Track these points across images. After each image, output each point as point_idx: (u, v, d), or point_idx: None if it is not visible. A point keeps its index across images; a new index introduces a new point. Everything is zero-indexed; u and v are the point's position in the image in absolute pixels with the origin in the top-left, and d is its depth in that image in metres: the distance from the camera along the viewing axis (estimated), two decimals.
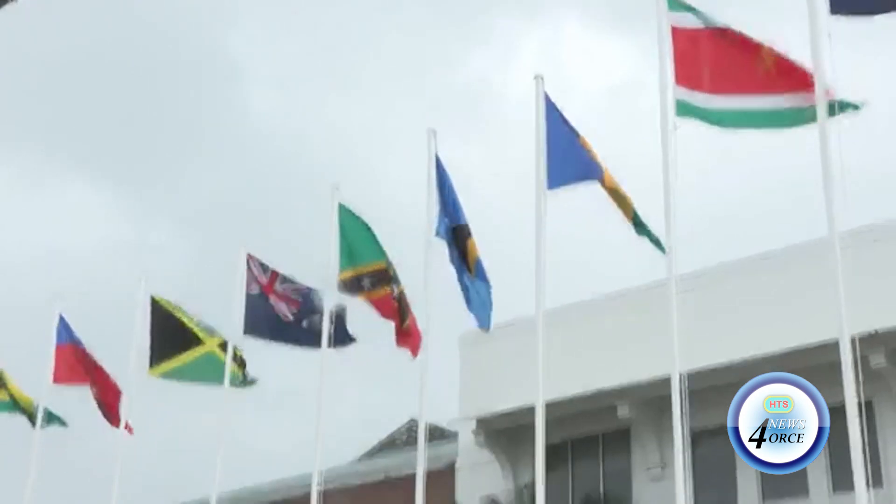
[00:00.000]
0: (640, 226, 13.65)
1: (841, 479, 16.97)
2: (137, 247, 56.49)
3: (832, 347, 11.17)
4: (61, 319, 20.06)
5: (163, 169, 60.99)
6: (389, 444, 31.67)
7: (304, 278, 18.03)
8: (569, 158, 14.13)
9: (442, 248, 15.48)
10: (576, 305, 22.74)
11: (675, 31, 12.95)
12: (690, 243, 13.73)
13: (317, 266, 17.35)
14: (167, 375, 18.64)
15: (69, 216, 59.99)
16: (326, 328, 16.71)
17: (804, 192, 11.76)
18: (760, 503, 19.51)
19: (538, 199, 14.30)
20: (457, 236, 15.26)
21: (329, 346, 16.69)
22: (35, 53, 59.00)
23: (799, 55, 12.19)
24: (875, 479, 14.87)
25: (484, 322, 15.23)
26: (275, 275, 17.96)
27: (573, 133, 14.22)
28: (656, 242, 13.34)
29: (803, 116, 12.08)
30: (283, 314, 17.65)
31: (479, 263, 15.19)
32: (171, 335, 18.68)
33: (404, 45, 61.51)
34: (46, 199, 60.09)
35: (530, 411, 13.82)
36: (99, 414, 19.49)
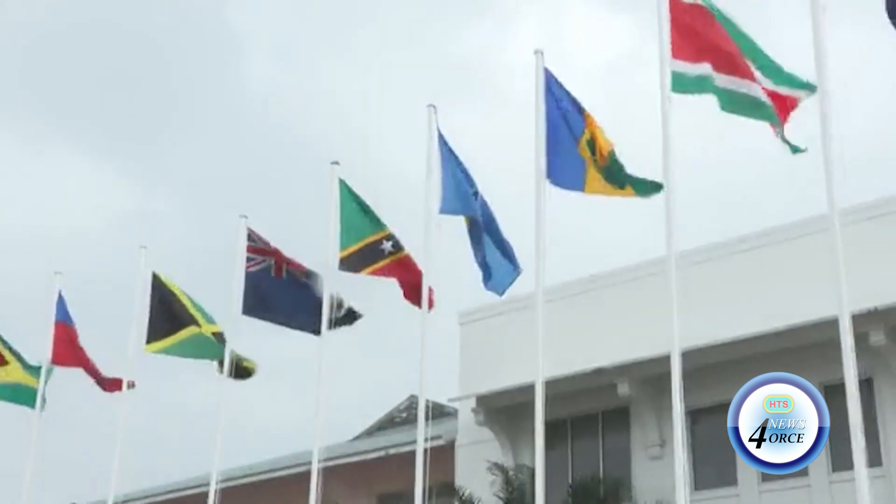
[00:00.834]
0: (638, 184, 13.49)
1: (840, 457, 16.94)
2: (138, 216, 56.58)
3: (831, 324, 11.13)
4: (59, 296, 20.00)
5: (163, 139, 61.01)
6: (389, 422, 31.73)
7: (304, 258, 17.86)
8: (567, 160, 13.99)
9: (442, 225, 15.44)
10: (575, 282, 22.73)
11: (674, 4, 12.87)
12: (690, 220, 13.64)
13: (317, 247, 17.17)
14: (163, 352, 18.57)
15: (69, 187, 60.04)
16: (326, 312, 16.60)
17: (804, 164, 11.69)
18: (759, 481, 19.50)
19: (538, 174, 14.19)
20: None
21: (330, 328, 16.57)
22: (34, 23, 58.94)
23: (799, 33, 12.12)
24: (874, 457, 14.90)
25: (504, 283, 15.10)
26: (278, 254, 17.74)
27: (569, 129, 14.02)
28: (655, 187, 13.10)
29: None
30: (283, 296, 17.47)
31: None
32: (168, 313, 18.58)
33: (402, 15, 61.34)
34: (47, 170, 60.14)
35: (530, 389, 13.79)
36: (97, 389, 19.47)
